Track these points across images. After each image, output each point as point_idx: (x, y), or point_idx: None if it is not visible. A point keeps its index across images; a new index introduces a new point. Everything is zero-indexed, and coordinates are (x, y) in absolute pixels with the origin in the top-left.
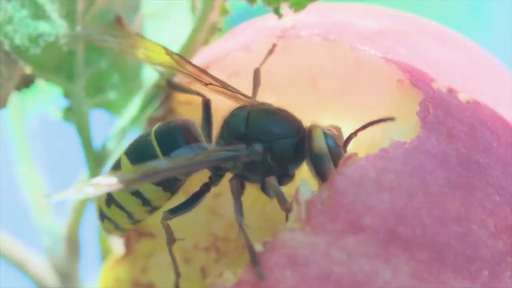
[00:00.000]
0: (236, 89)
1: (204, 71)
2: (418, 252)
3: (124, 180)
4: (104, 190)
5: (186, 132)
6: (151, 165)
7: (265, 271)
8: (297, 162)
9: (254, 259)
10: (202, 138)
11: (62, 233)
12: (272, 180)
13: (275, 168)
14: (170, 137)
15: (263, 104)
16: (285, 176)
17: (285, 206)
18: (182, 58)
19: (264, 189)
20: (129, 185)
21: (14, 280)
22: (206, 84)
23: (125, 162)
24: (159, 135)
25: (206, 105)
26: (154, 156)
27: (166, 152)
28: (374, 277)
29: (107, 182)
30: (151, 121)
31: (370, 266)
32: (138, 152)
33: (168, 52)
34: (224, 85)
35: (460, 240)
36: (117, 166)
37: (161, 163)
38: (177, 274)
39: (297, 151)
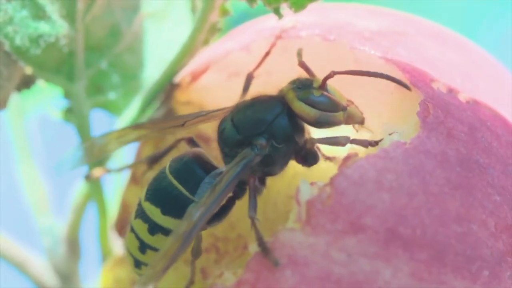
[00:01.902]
0: (209, 111)
1: (172, 117)
2: (418, 252)
3: (173, 255)
4: (157, 276)
5: (201, 162)
6: (184, 223)
7: (265, 271)
8: (299, 129)
9: (265, 248)
10: (214, 162)
11: (62, 233)
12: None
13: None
14: (189, 173)
15: (237, 104)
16: (301, 147)
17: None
18: (149, 122)
19: (303, 161)
20: (177, 258)
21: (15, 280)
22: (182, 125)
23: (151, 208)
24: (177, 175)
25: None
26: (180, 195)
27: (190, 187)
28: (374, 277)
29: (160, 266)
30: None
31: (370, 266)
32: (162, 196)
33: (135, 127)
34: (197, 115)
35: (460, 240)
36: (142, 215)
37: (193, 212)
38: (192, 282)
39: (292, 121)
